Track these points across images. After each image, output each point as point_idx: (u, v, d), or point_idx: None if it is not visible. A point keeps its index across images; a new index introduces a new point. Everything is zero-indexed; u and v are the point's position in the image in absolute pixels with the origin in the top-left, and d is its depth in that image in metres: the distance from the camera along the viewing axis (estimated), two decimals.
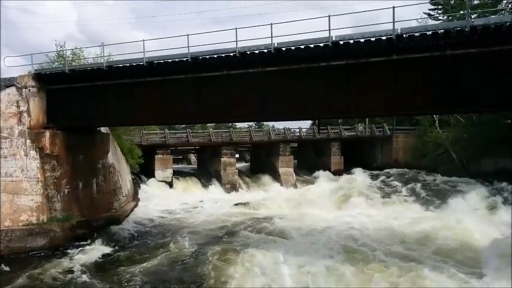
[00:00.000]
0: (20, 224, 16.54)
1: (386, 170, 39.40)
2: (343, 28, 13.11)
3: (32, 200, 16.92)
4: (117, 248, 17.26)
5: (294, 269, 14.11)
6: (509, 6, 33.62)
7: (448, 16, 35.20)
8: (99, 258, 15.97)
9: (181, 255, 16.13)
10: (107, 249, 16.91)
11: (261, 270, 14.04)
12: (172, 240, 18.20)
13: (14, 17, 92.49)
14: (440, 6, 42.98)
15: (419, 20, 33.91)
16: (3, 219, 16.27)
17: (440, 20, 40.57)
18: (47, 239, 16.52)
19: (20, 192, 16.81)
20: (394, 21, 11.91)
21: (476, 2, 33.98)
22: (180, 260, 15.62)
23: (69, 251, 16.47)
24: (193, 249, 16.84)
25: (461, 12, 31.28)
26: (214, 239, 18.62)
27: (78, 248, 16.81)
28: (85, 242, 17.33)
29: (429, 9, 43.48)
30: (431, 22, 36.95)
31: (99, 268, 15.00)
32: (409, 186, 31.25)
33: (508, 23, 10.99)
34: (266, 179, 37.62)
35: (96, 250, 16.68)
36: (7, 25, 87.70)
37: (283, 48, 13.58)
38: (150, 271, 14.44)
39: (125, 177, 24.42)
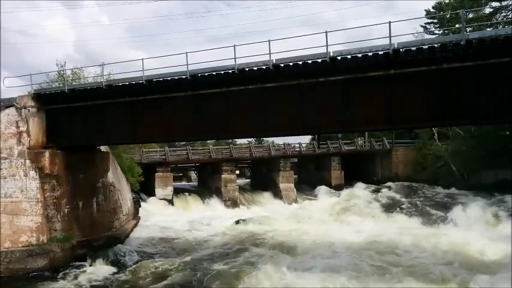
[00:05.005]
0: (20, 245, 16.39)
1: (386, 184, 39.34)
2: (337, 44, 13.31)
3: (31, 220, 16.79)
4: (118, 268, 17.06)
5: (298, 284, 13.99)
6: (504, 19, 34.04)
7: (444, 30, 35.57)
8: (100, 278, 15.76)
9: (183, 275, 15.94)
10: (108, 269, 16.71)
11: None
12: (174, 259, 18.01)
13: (12, 39, 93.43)
14: (435, 20, 43.59)
15: (416, 35, 34.40)
16: (2, 240, 16.11)
17: (436, 34, 41.07)
18: (47, 260, 16.34)
19: (19, 213, 16.70)
20: (390, 36, 12.03)
21: (471, 16, 34.45)
22: (183, 280, 15.43)
23: (69, 271, 16.27)
24: (195, 268, 16.66)
25: (457, 26, 31.68)
26: (216, 257, 18.45)
27: (78, 268, 16.62)
28: (86, 262, 17.14)
29: (425, 23, 44.12)
30: (427, 36, 37.45)
31: None
32: (410, 199, 31.20)
33: (503, 36, 11.11)
34: (267, 194, 37.48)
35: (97, 270, 16.49)
36: (6, 47, 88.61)
37: (282, 65, 13.70)
38: None
39: (125, 196, 24.32)
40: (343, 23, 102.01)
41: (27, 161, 17.17)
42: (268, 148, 40.78)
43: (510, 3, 35.09)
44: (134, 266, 17.35)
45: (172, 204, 32.75)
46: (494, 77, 11.69)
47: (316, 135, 44.41)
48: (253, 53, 14.05)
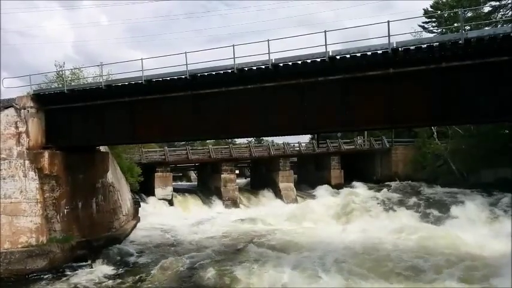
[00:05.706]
0: (19, 245, 16.36)
1: (386, 183, 39.29)
2: (334, 44, 13.31)
3: (31, 221, 16.77)
4: (117, 268, 17.05)
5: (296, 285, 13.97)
6: (503, 17, 34.05)
7: (443, 29, 35.59)
8: (100, 279, 15.73)
9: (183, 275, 15.93)
10: (108, 270, 16.70)
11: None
12: (174, 259, 17.93)
13: (12, 40, 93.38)
14: (434, 19, 43.58)
15: (414, 34, 34.38)
16: (2, 241, 16.08)
17: (434, 33, 41.07)
18: (47, 261, 16.32)
19: (19, 214, 16.68)
20: (389, 35, 12.03)
21: (469, 15, 34.43)
22: (183, 280, 15.42)
23: (69, 272, 16.24)
24: (195, 268, 16.64)
25: (456, 24, 31.69)
26: (216, 257, 18.42)
27: (78, 269, 16.57)
28: (85, 263, 17.08)
29: (423, 22, 44.11)
30: (425, 35, 37.45)
31: None
32: (410, 199, 31.19)
33: (501, 35, 11.12)
34: (267, 194, 37.45)
35: (97, 271, 16.47)
36: (6, 47, 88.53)
37: (281, 64, 13.69)
38: None
39: (124, 196, 24.30)
40: (339, 23, 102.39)
41: (27, 162, 17.15)
42: (268, 148, 40.72)
43: (509, 1, 35.09)
44: (134, 266, 17.37)
45: (172, 205, 32.72)
46: (494, 76, 11.69)
47: (316, 135, 44.52)
48: (252, 52, 14.06)
